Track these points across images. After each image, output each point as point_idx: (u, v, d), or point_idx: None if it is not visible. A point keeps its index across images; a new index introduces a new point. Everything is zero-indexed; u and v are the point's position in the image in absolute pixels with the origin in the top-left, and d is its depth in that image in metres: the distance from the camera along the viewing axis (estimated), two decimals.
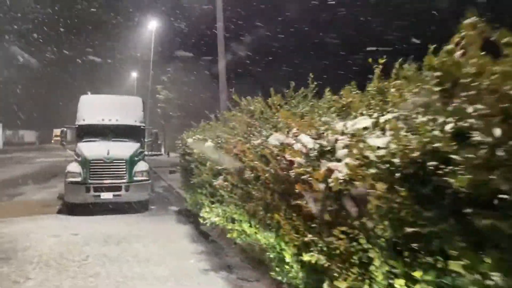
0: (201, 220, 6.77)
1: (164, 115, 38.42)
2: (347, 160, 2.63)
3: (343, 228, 2.79)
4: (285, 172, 3.78)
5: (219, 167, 6.32)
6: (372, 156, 2.31)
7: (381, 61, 3.34)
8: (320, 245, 3.11)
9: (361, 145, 2.51)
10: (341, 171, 2.69)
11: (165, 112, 38.72)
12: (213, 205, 6.38)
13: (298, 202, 3.41)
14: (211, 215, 6.31)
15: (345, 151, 2.77)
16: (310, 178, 3.08)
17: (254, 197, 4.95)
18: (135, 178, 10.19)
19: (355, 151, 2.56)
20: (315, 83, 5.28)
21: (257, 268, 5.58)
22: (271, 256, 4.43)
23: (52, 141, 57.66)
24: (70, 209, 9.97)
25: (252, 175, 4.82)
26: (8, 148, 42.51)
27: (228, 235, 5.96)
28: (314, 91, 5.37)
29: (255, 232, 5.08)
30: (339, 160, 2.83)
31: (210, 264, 6.06)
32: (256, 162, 4.39)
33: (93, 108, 11.69)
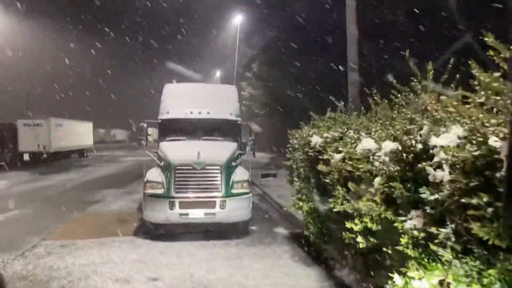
0: None
1: (249, 112, 36.33)
2: None
3: None
4: None
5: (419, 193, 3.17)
6: None
7: None
8: None
9: None
10: None
11: (249, 109, 36.65)
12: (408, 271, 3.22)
13: None
14: None
15: None
16: None
17: None
18: (233, 191, 7.42)
19: None
20: None
21: None
22: None
23: None
24: (150, 229, 7.55)
25: None
26: (99, 147, 43.55)
27: None
28: None
29: None
30: None
31: None
32: None
33: (180, 98, 9.21)
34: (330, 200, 5.14)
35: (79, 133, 31.90)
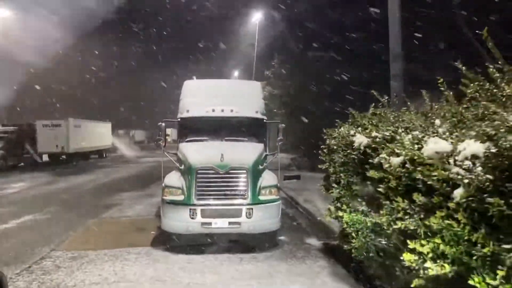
0: None
1: (268, 112, 35.55)
2: None
3: None
4: None
5: None
6: None
7: None
8: None
9: None
10: None
11: (269, 109, 35.88)
12: None
13: None
14: None
15: None
16: None
17: None
18: (260, 198, 6.64)
19: None
20: None
21: None
22: None
23: None
24: (169, 239, 6.84)
25: None
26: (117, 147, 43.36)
27: None
28: None
29: None
30: None
31: None
32: None
33: (200, 95, 8.48)
34: (382, 212, 4.31)
35: (98, 134, 31.69)
